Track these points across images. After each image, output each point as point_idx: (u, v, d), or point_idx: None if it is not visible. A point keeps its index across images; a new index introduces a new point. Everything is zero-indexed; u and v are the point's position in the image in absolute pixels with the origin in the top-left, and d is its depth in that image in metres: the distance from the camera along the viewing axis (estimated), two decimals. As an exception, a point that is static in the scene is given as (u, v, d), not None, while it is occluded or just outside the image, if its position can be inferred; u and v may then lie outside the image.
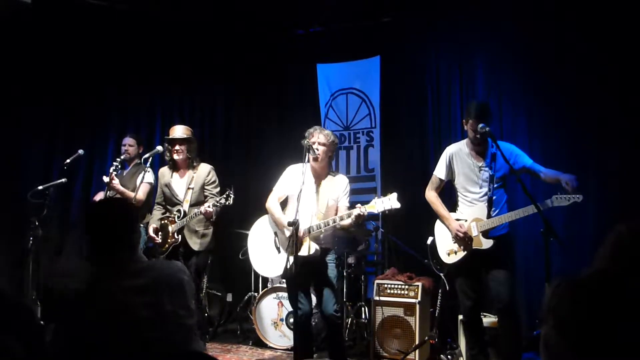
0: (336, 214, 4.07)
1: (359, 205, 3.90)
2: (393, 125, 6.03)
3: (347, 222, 3.98)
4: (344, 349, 4.37)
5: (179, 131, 4.70)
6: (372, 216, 5.66)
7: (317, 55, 6.39)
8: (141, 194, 5.17)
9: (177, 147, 4.65)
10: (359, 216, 3.85)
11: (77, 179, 6.06)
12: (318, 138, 4.08)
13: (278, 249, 4.16)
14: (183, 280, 2.06)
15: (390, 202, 3.83)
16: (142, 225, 5.23)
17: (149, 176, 5.26)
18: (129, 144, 5.45)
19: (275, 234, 4.19)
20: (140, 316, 1.92)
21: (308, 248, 3.98)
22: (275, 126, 6.50)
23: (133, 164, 5.42)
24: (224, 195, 4.34)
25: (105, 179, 4.97)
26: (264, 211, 4.27)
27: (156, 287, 1.98)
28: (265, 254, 4.24)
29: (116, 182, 4.97)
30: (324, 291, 4.09)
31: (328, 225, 3.97)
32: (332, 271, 4.15)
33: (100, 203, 2.57)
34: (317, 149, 4.04)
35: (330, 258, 4.19)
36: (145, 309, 1.93)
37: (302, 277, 4.01)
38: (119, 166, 4.99)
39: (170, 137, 4.69)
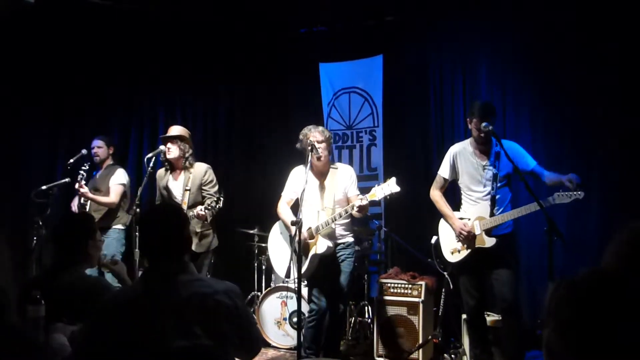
0: (349, 205, 4.09)
1: (360, 196, 3.92)
2: (396, 124, 6.02)
3: (353, 212, 4.00)
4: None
5: (172, 130, 4.70)
6: (376, 215, 5.71)
7: (320, 54, 6.38)
8: (114, 196, 5.18)
9: (168, 145, 4.61)
10: (361, 207, 3.87)
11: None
12: (315, 137, 4.10)
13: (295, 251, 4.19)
14: (219, 304, 1.93)
15: (389, 187, 3.85)
16: (122, 227, 5.25)
17: (121, 177, 5.27)
18: (97, 146, 5.35)
19: (290, 237, 4.21)
20: (168, 334, 1.85)
21: (320, 246, 4.00)
22: (277, 125, 6.49)
23: (105, 166, 5.37)
24: (215, 199, 4.32)
25: (76, 186, 4.94)
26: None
27: (188, 306, 1.90)
28: (283, 257, 4.27)
29: (85, 190, 4.94)
30: (337, 289, 4.13)
31: (335, 220, 3.99)
32: (347, 266, 4.18)
33: (152, 210, 2.70)
34: (319, 148, 4.06)
35: (349, 252, 4.21)
36: (174, 328, 1.85)
37: (318, 274, 4.05)
38: (84, 175, 4.94)
39: (162, 136, 4.70)
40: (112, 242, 5.06)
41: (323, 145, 4.10)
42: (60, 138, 6.06)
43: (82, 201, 5.13)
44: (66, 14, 5.71)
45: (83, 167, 4.96)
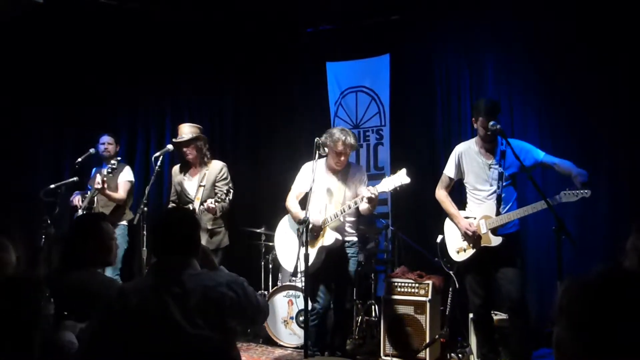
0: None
1: (369, 187, 3.90)
2: (403, 123, 6.01)
3: (363, 206, 3.98)
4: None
5: (183, 132, 4.71)
6: (382, 214, 5.70)
7: (327, 53, 6.38)
8: (122, 192, 5.26)
9: (184, 149, 4.67)
10: (370, 199, 3.84)
11: (89, 178, 6.09)
12: (344, 148, 4.03)
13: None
14: (223, 295, 1.99)
15: (399, 177, 3.83)
16: (126, 223, 5.27)
17: (129, 174, 5.36)
18: (108, 142, 5.39)
19: (298, 230, 4.22)
20: (173, 321, 1.91)
21: (327, 238, 4.00)
22: (284, 125, 6.50)
23: (112, 163, 5.36)
24: (224, 191, 4.34)
25: (98, 180, 4.92)
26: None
27: (191, 298, 1.95)
28: (291, 250, 4.27)
29: (104, 187, 4.96)
30: (342, 287, 4.13)
31: (343, 212, 3.98)
32: (352, 265, 4.19)
33: (168, 212, 2.93)
34: (343, 154, 4.05)
35: (353, 252, 4.21)
36: (179, 316, 1.92)
37: (323, 270, 4.05)
38: (114, 170, 4.94)
39: (176, 140, 4.70)
40: (118, 239, 5.07)
41: (348, 151, 4.09)
42: (67, 137, 6.08)
43: (95, 197, 5.14)
44: (74, 13, 5.73)
45: (110, 165, 4.94)
